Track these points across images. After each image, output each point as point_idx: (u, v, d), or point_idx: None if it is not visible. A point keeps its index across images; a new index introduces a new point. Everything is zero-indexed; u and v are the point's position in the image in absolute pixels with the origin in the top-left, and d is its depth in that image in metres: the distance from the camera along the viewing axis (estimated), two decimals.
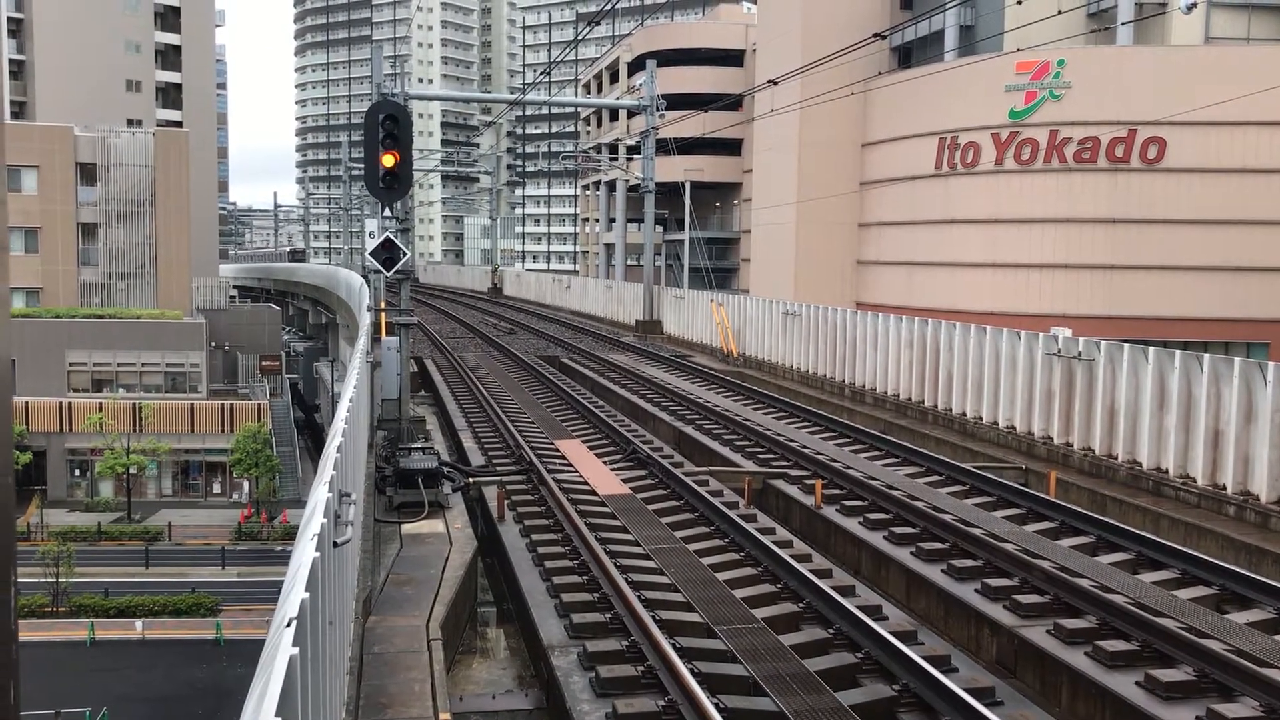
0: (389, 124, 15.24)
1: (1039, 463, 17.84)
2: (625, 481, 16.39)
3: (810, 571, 11.49)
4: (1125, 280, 50.45)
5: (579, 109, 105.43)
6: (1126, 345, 16.98)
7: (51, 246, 62.70)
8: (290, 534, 49.78)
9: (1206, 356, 15.26)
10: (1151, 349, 16.40)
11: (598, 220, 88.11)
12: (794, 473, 17.24)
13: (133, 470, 55.39)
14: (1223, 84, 45.42)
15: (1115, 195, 50.25)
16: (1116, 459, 16.63)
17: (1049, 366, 18.46)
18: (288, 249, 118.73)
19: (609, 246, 78.94)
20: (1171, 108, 46.02)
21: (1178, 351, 15.88)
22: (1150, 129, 48.56)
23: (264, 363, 69.18)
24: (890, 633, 9.60)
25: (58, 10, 79.24)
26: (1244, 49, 50.38)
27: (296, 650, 3.73)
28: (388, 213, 17.80)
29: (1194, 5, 44.73)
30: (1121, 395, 16.62)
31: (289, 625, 3.93)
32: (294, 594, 4.39)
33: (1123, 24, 50.17)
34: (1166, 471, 15.56)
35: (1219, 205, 48.61)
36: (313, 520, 5.85)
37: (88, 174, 65.06)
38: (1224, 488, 14.50)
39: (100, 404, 56.45)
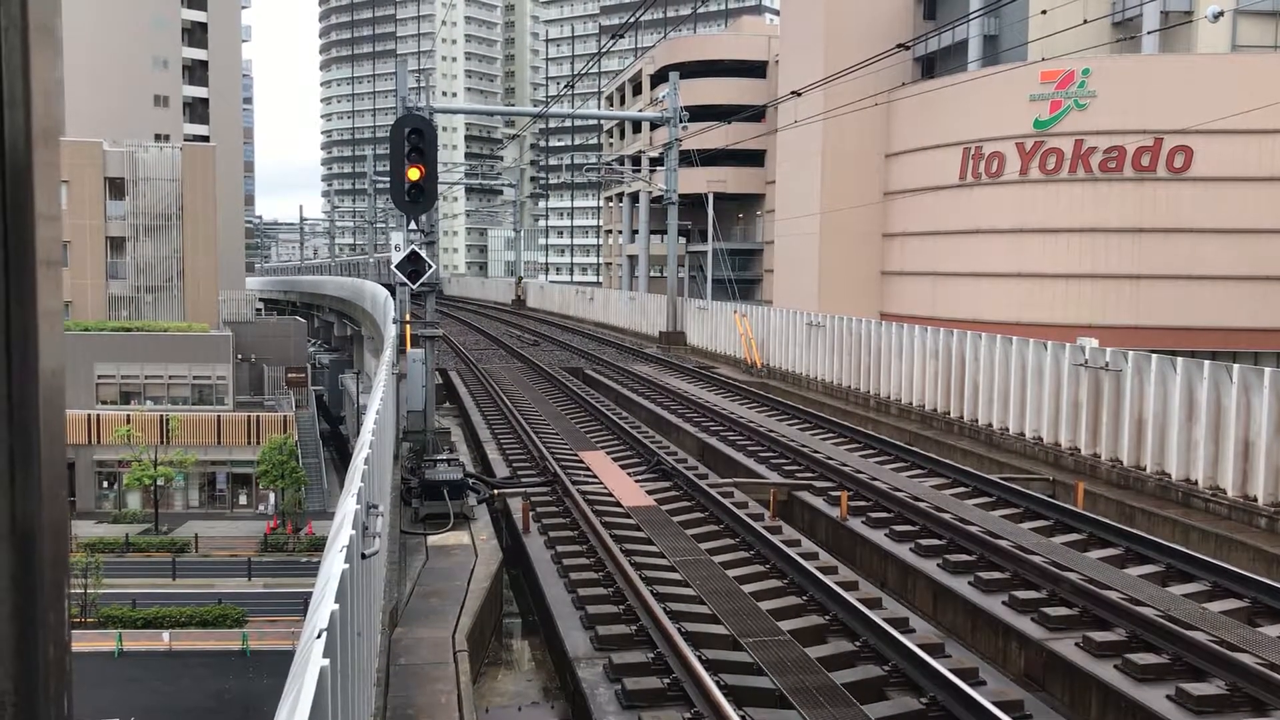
0: (415, 138, 15.35)
1: (1066, 474, 17.73)
2: (649, 493, 16.39)
3: (836, 584, 11.45)
4: (1152, 290, 50.09)
5: (602, 121, 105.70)
6: (1154, 355, 16.86)
7: (80, 260, 63.33)
8: (315, 545, 50.00)
9: (1236, 366, 15.13)
10: (1180, 359, 16.28)
11: (620, 232, 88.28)
12: (819, 484, 17.19)
13: (160, 482, 55.81)
14: (1250, 92, 45.08)
15: (1142, 204, 49.91)
16: (1145, 470, 16.50)
17: (1076, 377, 18.34)
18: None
19: (632, 258, 79.07)
20: (1198, 116, 45.72)
21: (1206, 362, 15.75)
22: (1177, 138, 48.25)
23: (290, 375, 69.59)
24: (917, 645, 9.56)
25: (87, 27, 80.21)
26: (1271, 57, 49.99)
27: (327, 661, 3.75)
28: (413, 226, 17.91)
29: (1221, 14, 44.45)
30: (1149, 406, 16.49)
31: (319, 637, 3.96)
32: (324, 606, 4.42)
33: (1148, 33, 49.94)
34: (1196, 483, 15.43)
35: (1247, 214, 48.22)
36: (341, 532, 5.89)
37: (116, 188, 65.73)
38: (1255, 499, 14.36)
39: (128, 416, 56.92)
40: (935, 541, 13.66)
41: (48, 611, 0.94)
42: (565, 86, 36.94)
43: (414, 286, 16.96)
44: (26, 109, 0.90)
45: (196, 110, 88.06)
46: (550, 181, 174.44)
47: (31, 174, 0.91)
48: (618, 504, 15.49)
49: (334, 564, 5.16)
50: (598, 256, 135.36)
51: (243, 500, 60.14)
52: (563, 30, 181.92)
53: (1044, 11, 36.90)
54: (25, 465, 0.91)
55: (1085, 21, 34.60)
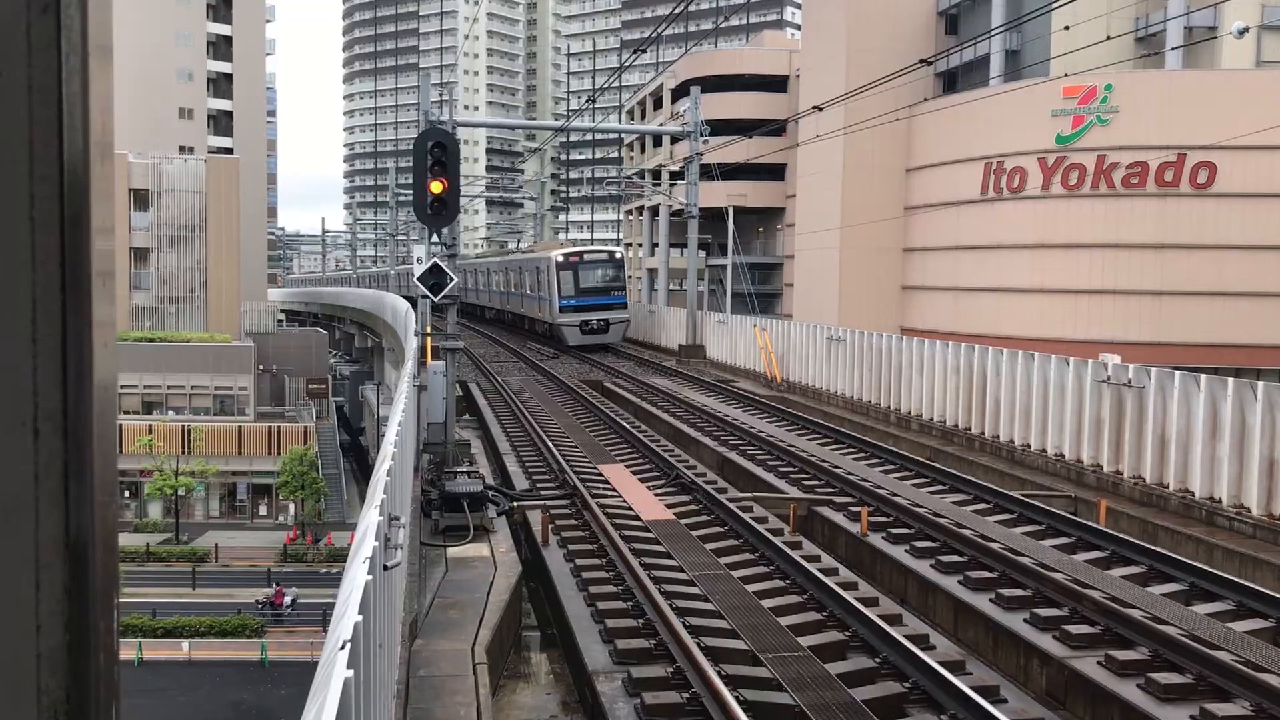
0: (437, 151, 15.42)
1: (1088, 491, 17.62)
2: (669, 507, 16.37)
3: (856, 599, 11.41)
4: (1175, 306, 49.78)
5: (623, 135, 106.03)
6: (1178, 372, 16.76)
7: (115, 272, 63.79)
8: (335, 556, 50.15)
9: (1260, 384, 15.03)
10: (1203, 376, 16.17)
11: (640, 245, 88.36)
12: (839, 499, 17.14)
13: (181, 492, 56.11)
14: (1274, 108, 44.79)
15: (1164, 220, 49.66)
16: (1168, 488, 16.39)
17: (1098, 394, 18.25)
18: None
19: (652, 271, 79.11)
20: (1222, 132, 45.47)
21: (1230, 379, 15.64)
22: (1200, 153, 47.99)
23: (311, 386, 69.93)
24: (938, 662, 9.51)
25: (113, 40, 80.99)
26: None
27: (351, 673, 3.77)
28: (435, 239, 17.98)
29: (1246, 29, 44.27)
30: (1173, 423, 16.38)
31: (343, 648, 3.97)
32: (348, 617, 4.44)
33: (1172, 49, 49.76)
34: (1220, 501, 15.31)
35: (1271, 230, 47.90)
36: (364, 543, 5.91)
37: (141, 200, 66.33)
38: None
39: (150, 426, 57.29)
40: (956, 558, 13.59)
41: (99, 621, 0.96)
42: (586, 100, 37.10)
43: (436, 299, 17.02)
44: (85, 127, 0.92)
45: (221, 123, 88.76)
46: (571, 195, 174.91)
47: (89, 189, 0.93)
48: (637, 518, 15.48)
49: (357, 575, 5.19)
50: None
51: (263, 510, 60.39)
52: (584, 44, 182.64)
53: (1067, 27, 36.82)
54: (79, 477, 0.93)
55: (1108, 37, 34.47)
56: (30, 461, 0.89)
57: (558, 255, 43.61)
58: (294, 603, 45.04)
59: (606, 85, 32.19)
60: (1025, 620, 11.34)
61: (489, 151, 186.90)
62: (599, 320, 42.42)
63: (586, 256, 44.80)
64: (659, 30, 23.76)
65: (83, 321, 0.93)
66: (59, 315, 0.90)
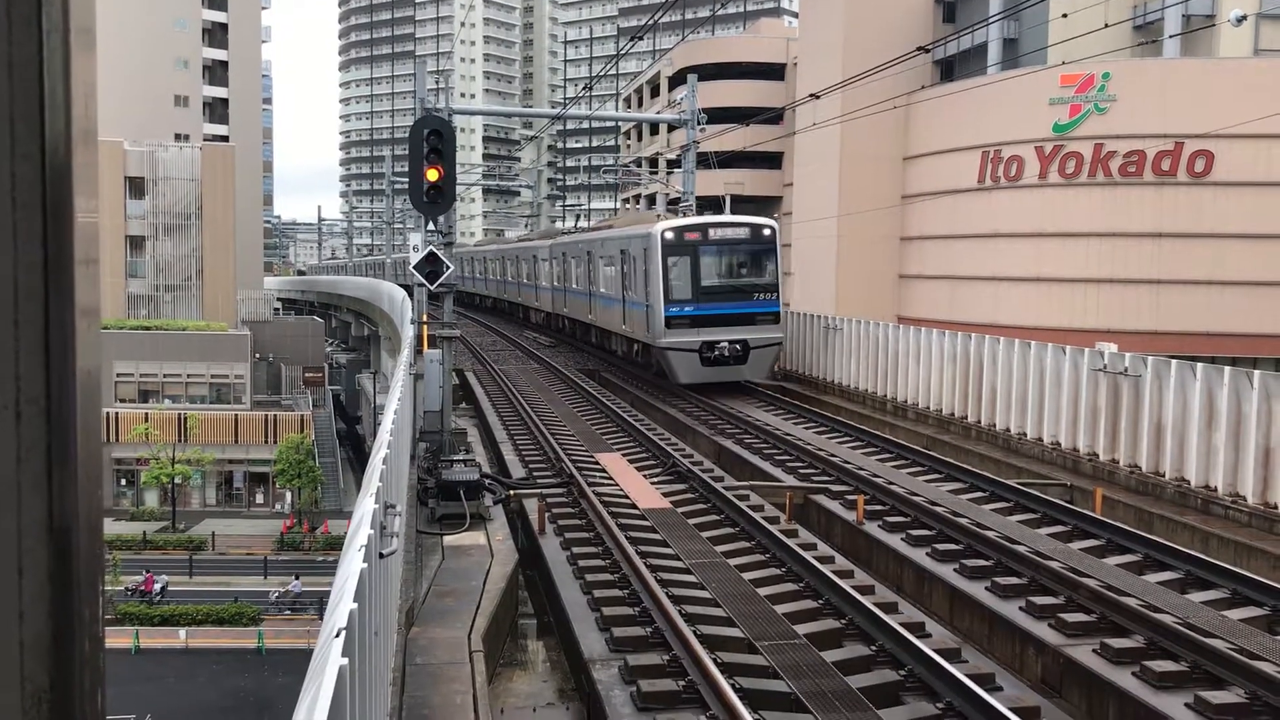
0: (434, 139, 15.38)
1: (1084, 480, 17.63)
2: (665, 495, 16.37)
3: (852, 587, 11.43)
4: (1172, 295, 49.78)
5: (620, 123, 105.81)
6: (1174, 361, 16.77)
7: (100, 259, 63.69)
8: (331, 544, 50.18)
9: (1256, 373, 15.03)
10: (1199, 365, 16.18)
11: None
12: (836, 488, 17.16)
13: (177, 480, 56.10)
14: (1272, 96, 44.72)
15: (1162, 209, 49.61)
16: (1164, 476, 16.41)
17: (1094, 382, 18.25)
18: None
19: None
20: (1219, 120, 45.41)
21: (1226, 368, 15.66)
22: (1197, 142, 47.94)
23: (307, 374, 69.83)
24: (934, 650, 9.53)
25: (109, 27, 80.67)
26: None
27: (346, 660, 3.76)
28: (431, 227, 17.94)
29: (1244, 17, 44.20)
30: (1169, 412, 16.40)
31: (338, 635, 3.97)
32: (343, 605, 4.44)
33: (1170, 37, 49.63)
34: (1215, 489, 15.33)
35: (1268, 219, 47.86)
36: (360, 531, 5.90)
37: (136, 187, 66.16)
38: (1275, 506, 14.26)
39: (146, 414, 57.25)
40: (952, 546, 13.61)
41: (83, 607, 0.95)
42: (583, 88, 36.92)
43: (432, 287, 16.99)
44: (67, 111, 0.91)
45: (216, 110, 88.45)
46: (568, 183, 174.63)
47: (71, 175, 0.92)
48: (633, 506, 15.49)
49: (352, 563, 5.18)
50: None
51: (259, 499, 60.41)
52: (581, 32, 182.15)
53: (1065, 15, 36.69)
54: (62, 462, 0.92)
55: (1106, 25, 34.34)
56: (12, 445, 0.88)
57: (665, 230, 27.29)
58: (164, 590, 45.14)
59: (603, 73, 32.01)
60: (1021, 608, 11.36)
61: (485, 139, 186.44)
62: (732, 343, 26.68)
63: (713, 233, 27.47)
64: (656, 17, 23.68)
65: (66, 304, 0.92)
66: (42, 297, 0.89)
